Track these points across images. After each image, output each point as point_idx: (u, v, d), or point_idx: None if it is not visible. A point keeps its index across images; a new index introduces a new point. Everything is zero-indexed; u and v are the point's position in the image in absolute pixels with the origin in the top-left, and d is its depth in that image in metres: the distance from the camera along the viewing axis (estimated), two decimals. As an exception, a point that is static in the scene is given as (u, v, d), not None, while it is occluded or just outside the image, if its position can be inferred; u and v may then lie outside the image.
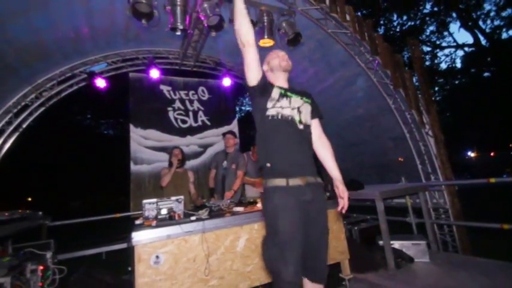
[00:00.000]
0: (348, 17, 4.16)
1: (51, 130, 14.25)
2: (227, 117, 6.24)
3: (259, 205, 2.77)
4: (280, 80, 1.64)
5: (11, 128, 4.23)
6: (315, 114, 1.63)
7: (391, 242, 2.95)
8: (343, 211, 1.46)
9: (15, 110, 4.25)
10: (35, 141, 12.51)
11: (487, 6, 14.03)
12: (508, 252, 3.16)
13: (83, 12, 3.62)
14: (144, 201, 2.25)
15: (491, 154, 20.68)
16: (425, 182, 3.93)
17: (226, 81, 5.73)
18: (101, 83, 4.60)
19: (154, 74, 4.90)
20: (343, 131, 5.42)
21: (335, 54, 4.73)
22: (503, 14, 13.87)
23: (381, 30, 14.90)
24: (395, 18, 14.98)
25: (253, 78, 1.46)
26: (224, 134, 3.69)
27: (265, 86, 1.50)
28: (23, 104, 4.30)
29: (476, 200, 7.67)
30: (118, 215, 4.25)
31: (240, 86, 6.96)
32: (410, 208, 3.52)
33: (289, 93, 1.56)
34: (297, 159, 1.45)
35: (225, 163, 3.52)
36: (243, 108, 22.00)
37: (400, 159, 4.46)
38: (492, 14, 14.03)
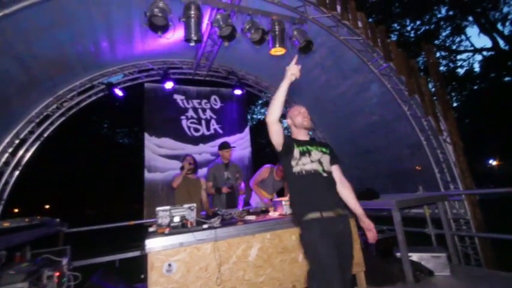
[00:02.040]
0: (360, 24, 4.15)
1: (69, 139, 14.82)
2: (239, 126, 6.29)
3: (271, 214, 2.75)
4: (301, 134, 1.89)
5: (33, 137, 4.43)
6: (334, 161, 1.85)
7: (409, 254, 2.82)
8: (373, 241, 1.76)
9: (37, 120, 4.45)
10: (53, 150, 13.02)
11: (505, 9, 13.61)
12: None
13: (103, 26, 3.80)
14: (158, 208, 2.27)
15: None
16: (444, 191, 3.77)
17: (238, 91, 5.80)
18: (118, 93, 4.78)
19: (169, 85, 5.06)
20: (357, 138, 5.33)
21: (347, 61, 4.70)
22: (523, 16, 13.40)
23: (395, 36, 14.70)
24: (408, 23, 14.74)
25: (277, 145, 1.75)
26: (220, 148, 3.61)
27: (288, 149, 1.76)
28: (45, 114, 4.50)
29: (499, 210, 7.28)
30: (132, 222, 4.31)
31: (252, 95, 7.02)
32: (429, 219, 3.37)
33: (309, 148, 1.79)
34: (326, 198, 1.69)
35: (225, 174, 3.52)
36: (254, 116, 22.09)
37: (417, 167, 4.31)
38: (511, 16, 13.58)
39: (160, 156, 5.09)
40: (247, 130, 6.38)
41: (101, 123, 18.54)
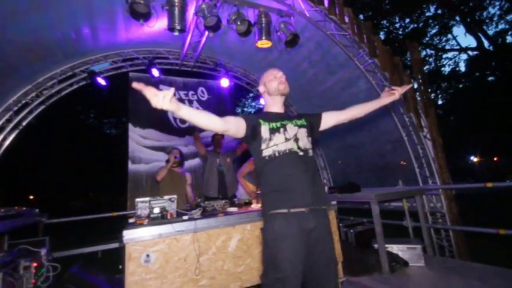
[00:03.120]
0: (346, 19, 4.16)
1: (53, 129, 14.38)
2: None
3: (253, 206, 2.78)
4: (276, 104, 1.61)
5: (11, 125, 4.27)
6: (314, 130, 1.59)
7: (386, 246, 2.92)
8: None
9: (15, 108, 4.29)
10: (37, 140, 12.63)
11: (491, 10, 13.97)
12: (505, 258, 3.12)
13: (84, 12, 3.66)
14: (137, 199, 2.25)
15: (495, 159, 20.47)
16: (422, 185, 3.90)
17: (225, 82, 5.74)
18: (101, 82, 4.64)
19: (155, 73, 4.94)
20: (342, 133, 5.41)
21: (334, 56, 4.73)
22: (508, 17, 13.79)
23: (384, 33, 14.86)
24: (397, 20, 14.92)
25: (240, 132, 1.44)
26: (213, 137, 3.76)
27: (253, 131, 1.45)
28: (23, 102, 4.34)
29: (476, 205, 7.60)
30: (115, 214, 4.27)
31: (240, 87, 6.98)
32: (407, 212, 3.49)
33: (283, 123, 1.50)
34: (299, 190, 1.37)
35: (218, 160, 3.59)
36: (245, 109, 22.02)
37: (402, 162, 4.43)
38: (496, 17, 13.95)
39: (145, 147, 5.02)
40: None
41: (88, 113, 18.06)
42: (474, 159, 22.17)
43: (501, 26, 14.02)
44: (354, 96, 4.96)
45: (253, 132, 1.45)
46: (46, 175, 15.77)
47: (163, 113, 5.43)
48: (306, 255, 1.33)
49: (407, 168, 4.12)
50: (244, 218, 2.35)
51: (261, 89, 1.66)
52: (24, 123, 4.39)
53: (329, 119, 1.65)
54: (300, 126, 1.53)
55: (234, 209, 2.63)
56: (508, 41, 14.02)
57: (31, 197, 18.10)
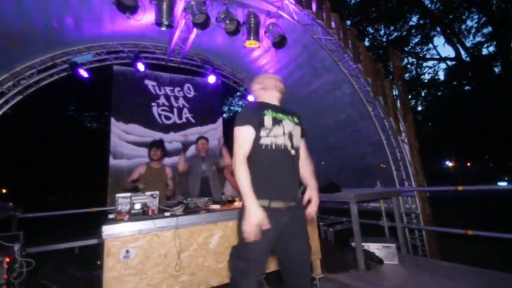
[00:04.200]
0: (333, 25, 4.28)
1: (30, 120, 13.73)
2: (212, 116, 6.24)
3: (236, 203, 2.81)
4: (273, 99, 1.61)
5: (-16, 115, 4.07)
6: (303, 133, 1.61)
7: (363, 244, 3.05)
8: (310, 215, 1.53)
9: (-11, 97, 4.09)
10: (12, 132, 12.02)
11: (469, 22, 14.74)
12: (473, 257, 3.34)
13: (67, 1, 3.54)
14: (118, 195, 2.22)
15: (468, 164, 21.63)
16: (399, 187, 4.08)
17: (212, 79, 5.73)
18: (83, 73, 4.50)
19: (140, 67, 4.85)
20: (325, 134, 5.54)
21: (320, 60, 4.84)
22: (484, 30, 14.60)
23: (368, 39, 15.32)
24: (382, 28, 15.43)
25: (252, 132, 1.44)
26: (198, 139, 3.64)
27: (259, 125, 1.44)
28: (-1, 91, 4.14)
29: (450, 208, 8.00)
30: (94, 209, 4.16)
31: (227, 86, 6.98)
32: (384, 212, 3.64)
33: (281, 115, 1.51)
34: (283, 185, 1.44)
35: (203, 166, 3.53)
36: (232, 108, 21.96)
37: (382, 165, 4.60)
38: (474, 30, 14.73)
39: (127, 142, 4.92)
40: (220, 121, 6.36)
41: (67, 105, 17.36)
42: (449, 164, 23.30)
43: (478, 39, 14.84)
44: (338, 100, 5.10)
45: (259, 126, 1.44)
46: (21, 168, 15.03)
47: (147, 108, 5.34)
48: (279, 246, 1.45)
49: (385, 171, 4.30)
50: (227, 216, 2.37)
51: (256, 87, 1.66)
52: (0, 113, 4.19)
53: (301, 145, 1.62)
54: (295, 124, 1.55)
55: (216, 207, 2.64)
56: (483, 53, 14.85)
57: (3, 191, 17.20)
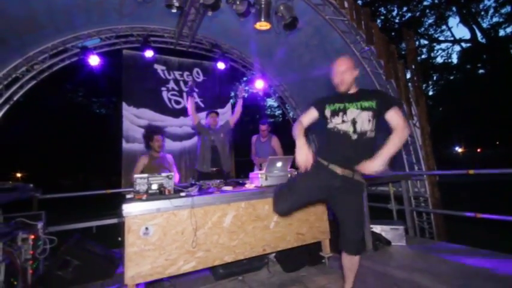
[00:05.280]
0: (346, 4, 4.14)
1: (40, 106, 13.96)
2: (221, 101, 6.25)
3: (247, 185, 2.88)
4: (341, 90, 1.85)
5: (1, 100, 4.16)
6: (385, 107, 1.74)
7: (371, 226, 3.11)
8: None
9: (5, 82, 4.16)
10: (25, 116, 12.27)
11: (487, 1, 14.02)
12: (479, 239, 3.37)
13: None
14: (136, 175, 2.30)
15: (478, 150, 21.26)
16: (408, 171, 4.09)
17: (222, 65, 5.69)
18: (93, 58, 4.52)
19: (149, 53, 4.85)
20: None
21: (332, 42, 4.73)
22: (503, 10, 13.88)
23: (380, 21, 14.75)
24: (395, 8, 14.80)
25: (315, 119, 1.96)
26: (208, 113, 3.82)
27: (322, 115, 1.89)
28: (13, 76, 4.21)
29: (460, 192, 7.97)
30: (109, 191, 4.31)
31: (236, 70, 6.91)
32: (392, 195, 3.68)
33: (347, 106, 1.78)
34: (342, 158, 1.75)
35: (212, 135, 3.68)
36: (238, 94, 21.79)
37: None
38: (491, 10, 14.01)
39: (139, 127, 4.99)
40: (228, 106, 6.37)
41: (77, 90, 17.50)
42: (459, 149, 22.94)
43: (495, 19, 14.15)
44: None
45: (323, 115, 1.88)
46: (33, 153, 15.46)
47: (157, 93, 5.37)
48: (333, 205, 1.92)
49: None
50: (239, 196, 2.44)
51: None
52: (15, 98, 4.28)
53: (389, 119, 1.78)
54: (363, 109, 1.75)
55: (228, 188, 2.72)
56: (500, 35, 14.19)
57: (18, 175, 17.79)
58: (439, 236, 3.84)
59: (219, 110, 6.10)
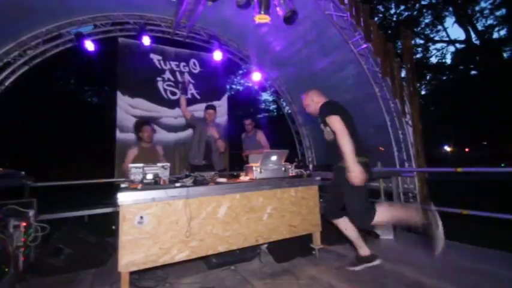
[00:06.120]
0: (346, 0, 4.15)
1: (31, 93, 13.61)
2: (217, 93, 6.23)
3: (242, 177, 2.91)
4: None
5: (-8, 84, 4.07)
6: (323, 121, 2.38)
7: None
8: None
9: (-4, 66, 4.06)
10: (15, 103, 11.96)
11: (482, 3, 14.18)
12: (464, 234, 3.51)
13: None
14: (131, 165, 2.31)
15: (466, 150, 21.84)
16: (399, 168, 4.19)
17: (219, 56, 5.64)
18: (89, 45, 4.43)
19: (146, 41, 4.77)
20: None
21: (329, 38, 4.74)
22: (498, 13, 14.07)
23: (378, 18, 14.81)
24: (393, 7, 14.87)
25: None
26: (206, 108, 3.87)
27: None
28: (5, 60, 4.10)
29: (449, 190, 8.18)
30: (102, 180, 4.29)
31: (233, 63, 6.88)
32: (382, 191, 3.77)
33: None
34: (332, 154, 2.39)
35: (209, 130, 3.72)
36: (233, 86, 21.66)
37: (381, 148, 4.67)
38: (487, 11, 14.19)
39: (133, 116, 4.95)
40: (225, 98, 6.36)
41: (71, 78, 17.09)
42: (447, 148, 23.49)
43: (490, 21, 14.33)
44: (345, 80, 5.07)
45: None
46: (23, 141, 15.12)
47: (152, 83, 5.32)
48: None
49: (386, 151, 4.39)
50: (234, 188, 2.48)
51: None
52: (6, 84, 4.18)
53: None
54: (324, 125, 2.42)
55: (223, 180, 2.76)
56: (494, 37, 14.42)
57: (7, 163, 17.40)
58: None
59: (215, 103, 6.15)
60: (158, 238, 2.12)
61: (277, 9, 3.75)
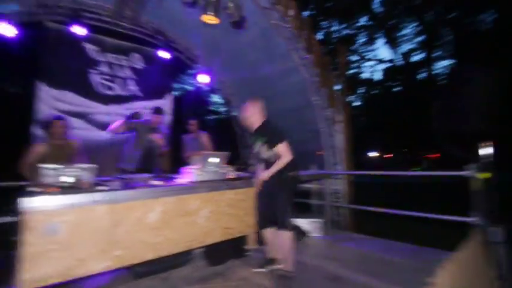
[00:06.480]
0: (291, 13, 4.39)
1: None
2: (161, 92, 5.94)
3: (178, 180, 2.83)
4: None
5: None
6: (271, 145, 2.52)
7: (293, 219, 3.40)
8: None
9: None
10: None
11: (407, 30, 16.72)
12: (383, 230, 4.01)
13: None
14: (42, 165, 2.02)
15: (389, 155, 25.46)
16: (330, 170, 4.64)
17: (165, 53, 5.40)
18: (7, 27, 3.74)
19: (80, 31, 4.28)
20: (275, 119, 5.78)
21: (276, 46, 4.93)
22: (418, 39, 16.71)
23: (322, 33, 16.26)
24: (335, 24, 16.48)
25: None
26: (155, 111, 3.64)
27: None
28: None
29: (373, 191, 9.25)
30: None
31: (180, 61, 6.63)
32: (315, 192, 4.12)
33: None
34: None
35: (150, 135, 3.50)
36: (181, 86, 20.76)
37: (319, 152, 5.07)
38: (410, 36, 16.76)
39: (58, 111, 4.37)
40: (169, 97, 6.09)
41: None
42: (375, 154, 26.95)
43: (411, 46, 16.95)
44: (288, 88, 5.34)
45: None
46: None
47: (84, 75, 4.78)
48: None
49: (320, 155, 4.81)
50: (168, 191, 2.39)
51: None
52: None
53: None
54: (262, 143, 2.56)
55: (158, 182, 2.64)
56: (413, 60, 17.10)
57: None
58: (350, 228, 4.43)
59: (158, 101, 5.87)
60: (74, 248, 1.90)
61: (227, 11, 3.76)
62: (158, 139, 3.56)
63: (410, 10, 15.74)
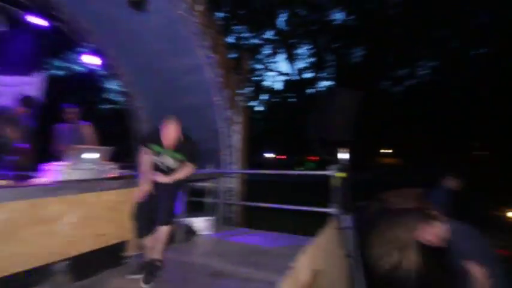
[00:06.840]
0: (198, 7, 4.27)
1: None
2: (28, 66, 4.72)
3: (36, 180, 2.30)
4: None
5: None
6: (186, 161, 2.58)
7: (185, 219, 3.36)
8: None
9: None
10: None
11: (303, 50, 19.46)
12: (273, 224, 4.44)
13: None
14: None
15: (284, 157, 29.22)
16: (225, 169, 4.84)
17: (38, 19, 4.30)
18: None
19: None
20: (178, 115, 5.50)
21: (183, 40, 4.69)
22: (310, 60, 19.70)
23: (233, 37, 16.96)
24: (246, 30, 17.50)
25: None
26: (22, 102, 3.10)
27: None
28: None
29: (266, 189, 10.17)
30: None
31: (62, 34, 5.36)
32: (209, 190, 4.20)
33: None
34: None
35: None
36: (69, 65, 17.00)
37: (219, 152, 5.18)
38: (304, 55, 19.56)
39: None
40: (41, 76, 4.88)
41: None
42: (272, 155, 30.30)
43: (304, 64, 19.89)
44: (192, 85, 5.20)
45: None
46: None
47: None
48: None
49: (217, 154, 4.95)
50: (16, 194, 1.87)
51: None
52: None
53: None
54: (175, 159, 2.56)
55: (3, 182, 2.06)
56: (305, 76, 20.11)
57: None
58: (242, 224, 4.73)
59: (24, 78, 4.62)
60: None
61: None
62: (13, 133, 2.79)
63: (307, 33, 18.41)
